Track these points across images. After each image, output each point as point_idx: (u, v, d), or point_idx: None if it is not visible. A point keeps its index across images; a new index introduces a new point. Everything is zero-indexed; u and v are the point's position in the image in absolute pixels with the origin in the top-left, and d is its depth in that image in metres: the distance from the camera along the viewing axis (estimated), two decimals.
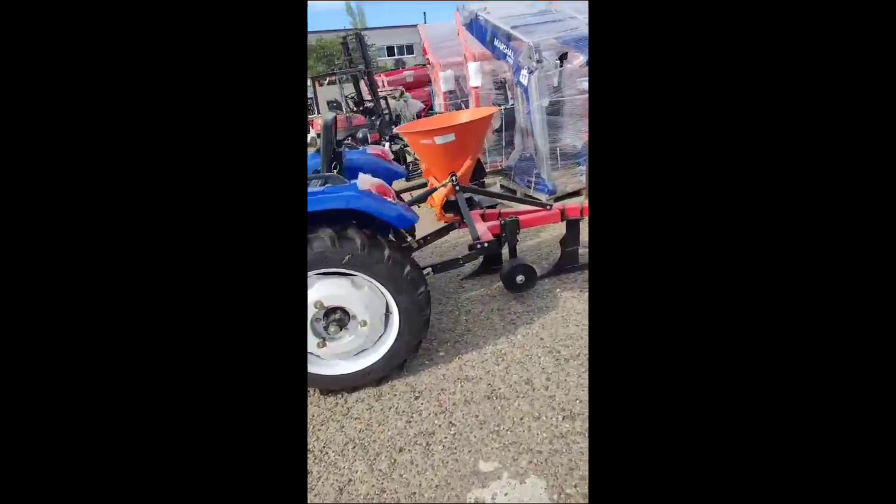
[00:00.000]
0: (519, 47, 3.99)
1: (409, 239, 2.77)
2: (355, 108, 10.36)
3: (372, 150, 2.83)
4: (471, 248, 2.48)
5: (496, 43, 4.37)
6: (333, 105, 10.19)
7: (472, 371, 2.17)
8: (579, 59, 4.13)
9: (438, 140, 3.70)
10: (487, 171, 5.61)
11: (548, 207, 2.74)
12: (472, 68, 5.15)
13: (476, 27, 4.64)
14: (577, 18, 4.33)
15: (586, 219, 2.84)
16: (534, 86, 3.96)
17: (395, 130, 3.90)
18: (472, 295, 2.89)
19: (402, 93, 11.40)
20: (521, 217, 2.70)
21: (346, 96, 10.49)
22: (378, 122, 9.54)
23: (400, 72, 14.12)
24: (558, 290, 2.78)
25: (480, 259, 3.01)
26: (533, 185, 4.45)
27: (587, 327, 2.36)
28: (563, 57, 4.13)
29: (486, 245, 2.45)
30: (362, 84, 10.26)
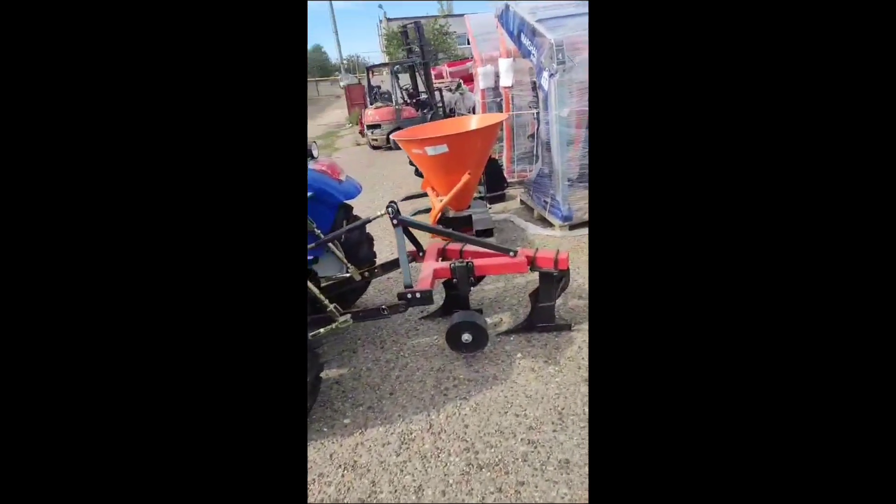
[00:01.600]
0: (543, 45, 3.35)
1: (351, 269, 2.40)
2: (408, 101, 10.15)
3: (318, 165, 2.47)
4: (399, 296, 2.04)
5: (522, 38, 3.74)
6: (378, 94, 10.04)
7: (365, 457, 1.76)
8: None
9: (430, 151, 3.26)
10: (514, 180, 5.01)
11: (510, 254, 2.18)
12: (503, 65, 4.54)
13: (505, 19, 4.03)
14: None
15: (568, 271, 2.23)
16: (553, 91, 3.31)
17: (392, 136, 3.51)
18: (422, 343, 2.45)
19: (458, 85, 10.89)
20: (478, 262, 2.19)
21: (402, 87, 10.29)
22: (430, 116, 9.22)
23: (464, 62, 13.56)
24: (519, 355, 2.24)
25: (442, 296, 2.55)
26: (548, 206, 3.81)
27: (531, 419, 1.82)
28: None
29: (417, 296, 1.99)
30: (419, 75, 10.03)
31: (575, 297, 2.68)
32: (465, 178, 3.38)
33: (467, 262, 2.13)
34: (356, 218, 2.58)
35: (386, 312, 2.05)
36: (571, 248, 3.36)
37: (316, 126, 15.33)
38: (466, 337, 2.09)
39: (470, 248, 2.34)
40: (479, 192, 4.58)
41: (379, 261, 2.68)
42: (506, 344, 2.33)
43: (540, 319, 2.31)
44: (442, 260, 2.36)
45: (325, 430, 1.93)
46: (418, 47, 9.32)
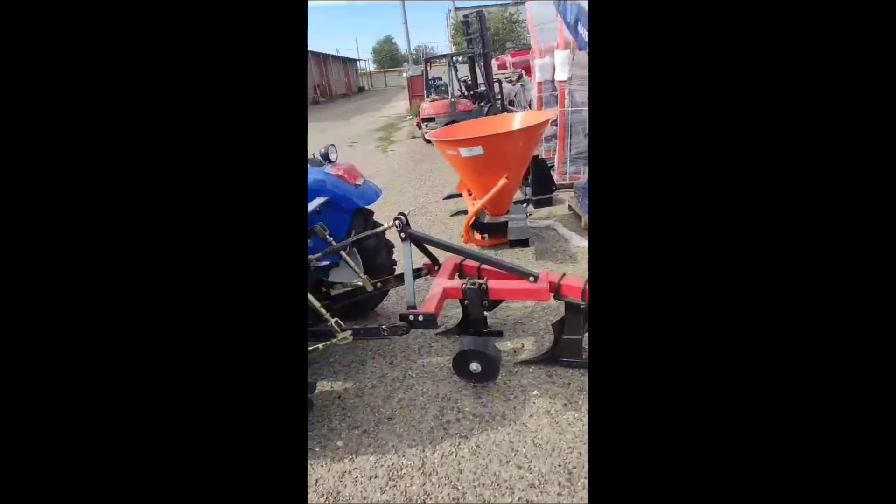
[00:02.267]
0: None
1: (363, 279, 2.28)
2: (465, 93, 9.88)
3: (335, 169, 2.35)
4: (401, 317, 1.87)
5: (580, 28, 3.35)
6: (435, 85, 9.85)
7: (350, 488, 1.64)
8: None
9: (464, 152, 3.04)
10: (564, 183, 4.61)
11: (530, 279, 1.90)
12: (559, 58, 4.15)
13: (563, 8, 3.65)
14: None
15: None
16: None
17: (427, 135, 3.34)
18: (432, 363, 2.27)
19: (520, 76, 10.40)
20: (494, 283, 1.95)
21: (460, 79, 10.03)
22: (487, 108, 8.91)
23: (526, 52, 12.92)
24: (536, 392, 1.98)
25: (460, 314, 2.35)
26: None
27: (535, 475, 1.59)
28: None
29: (420, 318, 1.81)
30: (479, 66, 9.69)
31: None
32: (503, 182, 3.12)
33: (480, 284, 1.90)
34: (376, 224, 2.45)
35: (386, 333, 1.90)
36: None
37: (378, 118, 15.65)
38: (475, 366, 1.88)
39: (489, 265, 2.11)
40: (524, 195, 4.29)
41: (399, 269, 2.54)
42: (523, 376, 2.08)
43: (564, 354, 2.03)
44: (458, 277, 2.16)
45: (318, 450, 1.84)
46: (479, 37, 9.01)
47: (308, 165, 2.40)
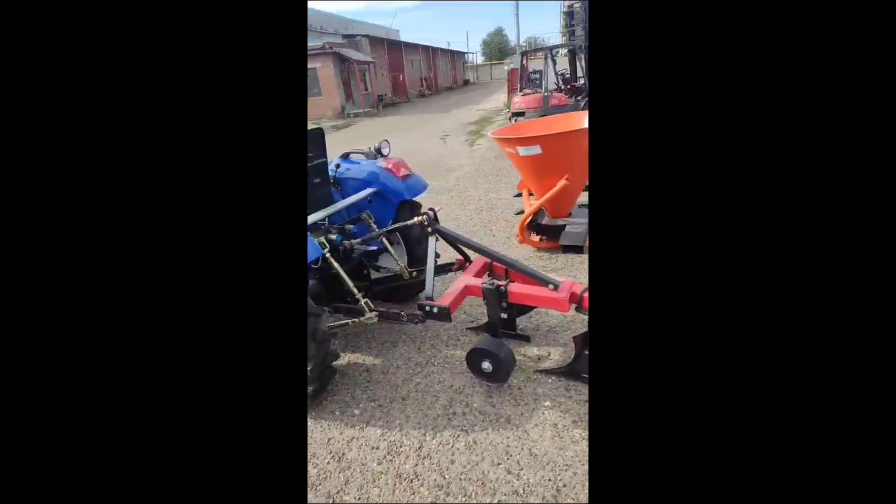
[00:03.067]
0: None
1: (400, 267, 2.42)
2: (562, 87, 9.44)
3: (385, 162, 2.51)
4: (419, 307, 1.96)
5: None
6: (531, 78, 9.53)
7: (353, 452, 1.81)
8: None
9: (521, 151, 3.00)
10: None
11: (550, 286, 1.83)
12: None
13: None
14: None
15: None
16: None
17: (491, 133, 3.35)
18: (455, 356, 2.34)
19: None
20: (514, 287, 1.93)
21: (558, 72, 9.61)
22: (583, 103, 8.43)
23: None
24: (548, 402, 1.93)
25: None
26: None
27: (522, 483, 1.59)
28: None
29: (434, 310, 1.89)
30: (579, 59, 9.17)
31: None
32: (562, 183, 3.00)
33: (499, 286, 1.90)
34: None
35: (404, 319, 2.02)
36: None
37: (476, 111, 15.81)
38: (486, 365, 1.91)
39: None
40: None
41: (443, 260, 2.64)
42: (541, 384, 2.04)
43: (586, 369, 1.93)
44: (488, 275, 2.18)
45: (337, 413, 2.05)
46: (581, 29, 8.53)
47: (364, 158, 2.61)
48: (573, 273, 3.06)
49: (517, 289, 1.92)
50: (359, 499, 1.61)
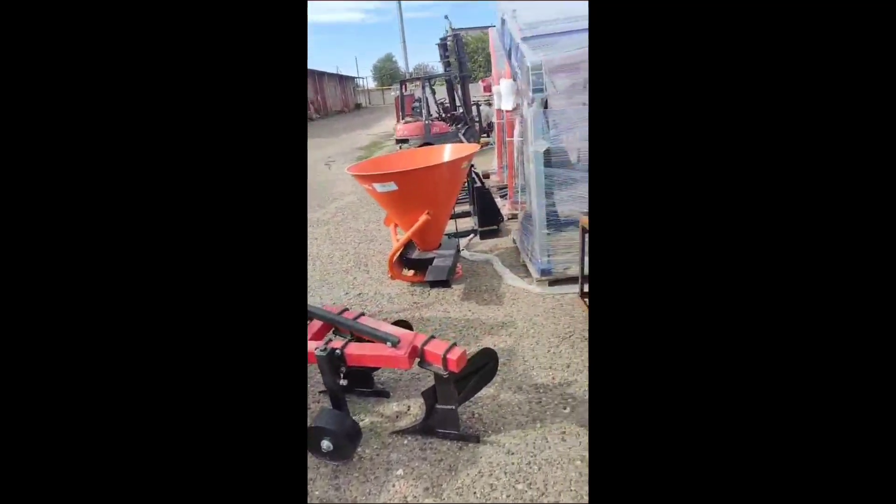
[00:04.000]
0: (523, 66, 2.80)
1: None
2: (443, 115, 9.82)
3: None
4: None
5: (513, 58, 3.22)
6: (415, 107, 9.77)
7: None
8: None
9: (378, 188, 2.85)
10: (517, 212, 4.42)
11: (388, 343, 1.68)
12: (505, 87, 3.99)
13: (502, 34, 3.53)
14: None
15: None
16: (530, 122, 2.75)
17: (346, 170, 3.17)
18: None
19: None
20: (352, 349, 1.73)
21: (438, 101, 9.97)
22: (464, 131, 8.81)
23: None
24: (401, 471, 1.74)
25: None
26: (530, 253, 3.22)
27: None
28: None
29: None
30: (456, 89, 9.65)
31: (511, 390, 2.11)
32: (424, 218, 2.93)
33: (332, 350, 1.68)
34: None
35: None
36: (546, 311, 2.76)
37: (366, 136, 15.64)
38: (326, 445, 1.65)
39: (363, 321, 1.88)
40: (475, 224, 4.12)
41: None
42: (394, 449, 1.84)
43: (439, 425, 1.79)
44: (333, 333, 1.94)
45: None
46: (456, 60, 8.99)
47: None
48: (444, 307, 2.98)
49: (355, 350, 1.71)
50: None
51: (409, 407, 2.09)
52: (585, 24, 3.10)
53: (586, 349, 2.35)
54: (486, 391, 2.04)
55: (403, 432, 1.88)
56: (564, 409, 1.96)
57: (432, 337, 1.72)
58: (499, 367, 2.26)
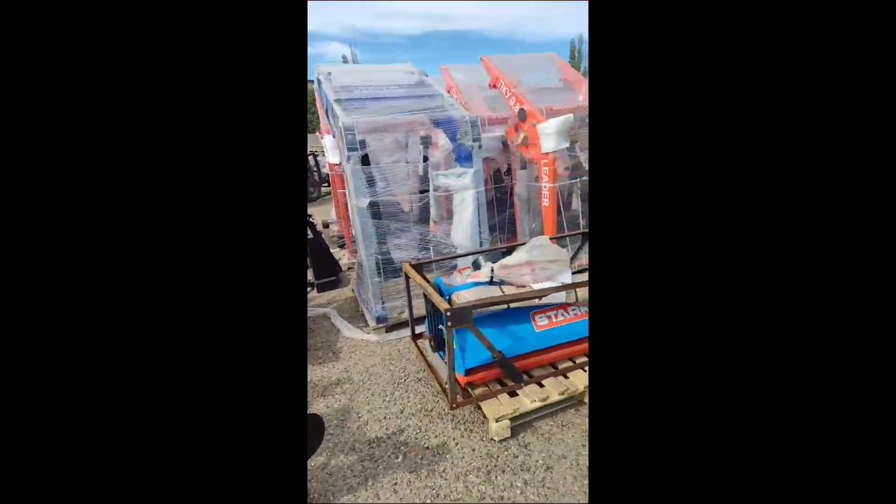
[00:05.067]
0: (337, 125, 2.95)
1: None
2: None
3: None
4: None
5: (329, 117, 3.35)
6: None
7: None
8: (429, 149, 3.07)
9: None
10: (355, 262, 4.45)
11: None
12: (328, 142, 4.12)
13: (321, 91, 3.66)
14: (443, 97, 3.35)
15: None
16: (349, 179, 2.88)
17: None
18: None
19: None
20: None
21: None
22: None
23: None
24: None
25: None
26: (365, 304, 3.26)
27: None
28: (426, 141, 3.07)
29: None
30: None
31: (343, 452, 2.03)
32: None
33: None
34: None
35: None
36: (383, 360, 2.78)
37: None
38: None
39: None
40: (314, 278, 3.94)
41: None
42: None
43: None
44: None
45: None
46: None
47: None
48: None
49: None
50: None
51: None
52: (396, 91, 3.46)
53: (420, 391, 2.45)
54: (316, 460, 1.92)
55: None
56: (397, 458, 1.98)
57: None
58: (331, 430, 2.16)
